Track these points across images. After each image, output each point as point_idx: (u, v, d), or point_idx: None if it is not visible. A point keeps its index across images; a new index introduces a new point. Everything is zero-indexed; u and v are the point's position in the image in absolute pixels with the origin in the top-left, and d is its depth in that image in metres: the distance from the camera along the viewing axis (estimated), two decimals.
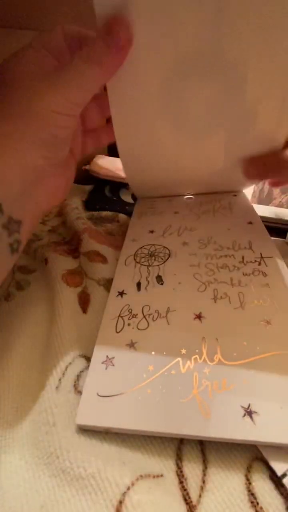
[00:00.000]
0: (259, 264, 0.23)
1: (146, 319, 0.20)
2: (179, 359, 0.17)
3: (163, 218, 0.30)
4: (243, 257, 0.24)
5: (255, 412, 0.15)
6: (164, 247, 0.26)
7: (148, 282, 0.23)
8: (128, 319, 0.20)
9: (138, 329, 0.19)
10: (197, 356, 0.17)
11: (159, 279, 0.23)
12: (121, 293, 0.22)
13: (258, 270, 0.23)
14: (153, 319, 0.20)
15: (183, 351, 0.18)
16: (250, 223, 0.28)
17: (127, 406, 0.16)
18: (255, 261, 0.24)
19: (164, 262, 0.25)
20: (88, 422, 0.15)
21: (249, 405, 0.15)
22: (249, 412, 0.15)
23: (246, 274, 0.23)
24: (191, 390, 0.16)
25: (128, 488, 0.13)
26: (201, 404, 0.15)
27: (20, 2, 0.27)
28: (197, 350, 0.18)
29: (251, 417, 0.15)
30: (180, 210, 0.31)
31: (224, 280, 0.22)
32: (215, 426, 0.14)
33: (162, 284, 0.23)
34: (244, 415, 0.15)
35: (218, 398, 0.15)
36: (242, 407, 0.15)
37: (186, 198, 0.33)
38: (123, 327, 0.20)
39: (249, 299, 0.21)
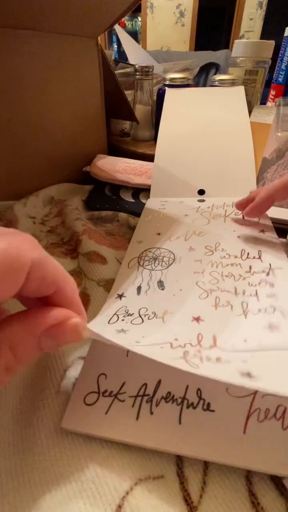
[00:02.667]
0: (267, 274, 0.22)
1: (141, 317, 0.20)
2: (171, 342, 0.16)
3: (172, 221, 0.30)
4: (250, 267, 0.23)
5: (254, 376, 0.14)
6: (170, 251, 0.26)
7: (149, 286, 0.22)
8: (123, 316, 0.20)
9: (131, 323, 0.19)
10: (190, 343, 0.16)
11: (160, 284, 0.23)
12: (120, 296, 0.22)
13: (265, 281, 0.22)
14: (148, 318, 0.19)
15: (176, 340, 0.17)
16: (262, 231, 0.27)
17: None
18: (263, 271, 0.23)
19: (168, 267, 0.24)
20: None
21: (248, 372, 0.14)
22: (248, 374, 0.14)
23: (252, 285, 0.22)
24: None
25: (127, 493, 0.13)
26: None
27: (20, 2, 0.27)
28: (191, 340, 0.17)
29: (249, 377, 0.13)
30: (191, 213, 0.31)
31: (228, 289, 0.21)
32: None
33: (163, 289, 0.22)
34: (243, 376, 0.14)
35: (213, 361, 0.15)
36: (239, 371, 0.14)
37: (198, 200, 0.33)
38: (116, 321, 0.19)
39: (253, 308, 0.20)
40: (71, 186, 0.41)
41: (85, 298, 0.23)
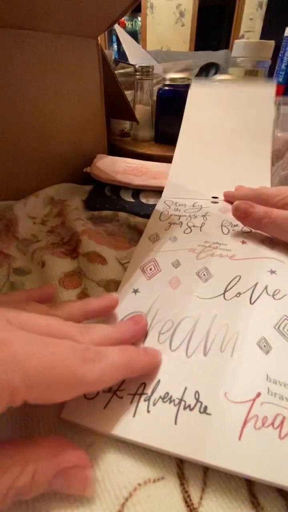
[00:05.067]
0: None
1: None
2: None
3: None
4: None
5: None
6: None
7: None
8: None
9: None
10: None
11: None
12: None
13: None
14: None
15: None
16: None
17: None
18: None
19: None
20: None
21: None
22: None
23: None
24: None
25: (127, 499, 0.13)
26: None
27: (20, 2, 0.27)
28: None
29: None
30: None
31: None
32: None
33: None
34: None
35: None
36: None
37: (212, 202, 0.33)
38: None
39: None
40: (71, 186, 0.41)
41: (85, 298, 0.23)
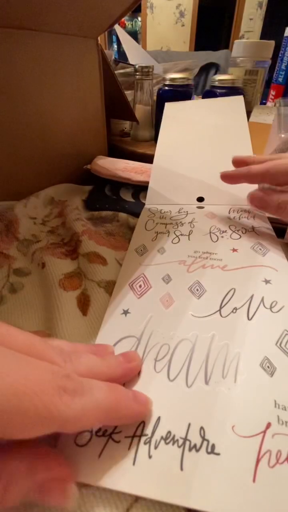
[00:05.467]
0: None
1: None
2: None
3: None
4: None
5: None
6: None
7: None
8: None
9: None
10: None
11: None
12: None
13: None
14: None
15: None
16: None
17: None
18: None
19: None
20: None
21: None
22: None
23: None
24: None
25: (127, 510, 0.13)
26: None
27: (20, 2, 0.27)
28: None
29: None
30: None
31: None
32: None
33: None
34: None
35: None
36: None
37: (197, 207, 0.33)
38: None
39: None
40: (71, 186, 0.41)
41: (85, 299, 0.23)
